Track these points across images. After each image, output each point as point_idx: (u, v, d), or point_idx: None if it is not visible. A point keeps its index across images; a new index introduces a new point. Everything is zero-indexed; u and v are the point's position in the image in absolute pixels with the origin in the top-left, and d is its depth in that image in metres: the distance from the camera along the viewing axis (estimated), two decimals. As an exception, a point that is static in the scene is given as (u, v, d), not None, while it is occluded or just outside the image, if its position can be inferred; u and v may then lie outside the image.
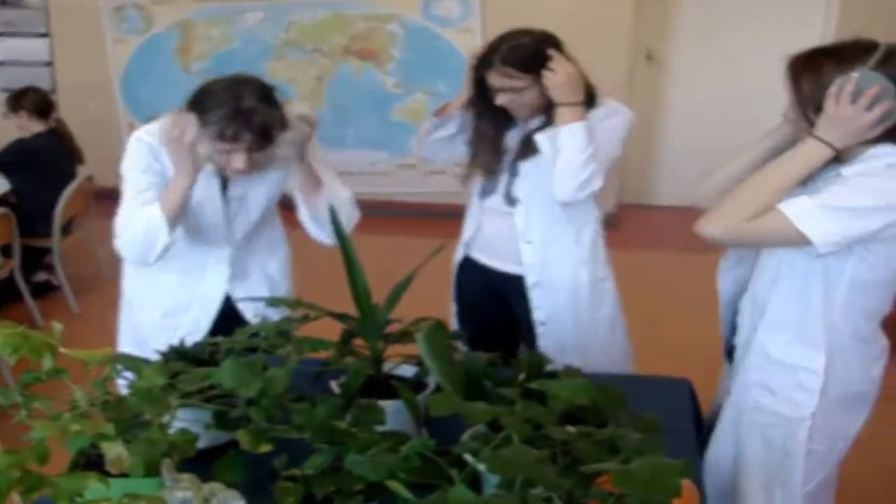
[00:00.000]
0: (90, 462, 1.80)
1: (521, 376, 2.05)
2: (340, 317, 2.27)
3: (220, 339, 2.22)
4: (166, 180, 2.67)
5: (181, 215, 2.64)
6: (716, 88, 7.12)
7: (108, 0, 6.93)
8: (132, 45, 6.90)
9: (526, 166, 2.89)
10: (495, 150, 2.94)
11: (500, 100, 2.81)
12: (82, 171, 5.53)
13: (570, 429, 1.78)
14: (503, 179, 2.95)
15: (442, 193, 6.20)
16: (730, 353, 2.51)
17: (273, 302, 2.39)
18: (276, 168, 2.77)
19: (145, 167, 2.70)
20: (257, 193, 2.84)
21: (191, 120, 2.54)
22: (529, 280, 2.97)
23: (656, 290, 5.76)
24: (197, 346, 2.24)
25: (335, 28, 6.86)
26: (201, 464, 1.77)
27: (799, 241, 2.05)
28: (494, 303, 3.05)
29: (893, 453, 4.10)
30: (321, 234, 2.82)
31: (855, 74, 2.01)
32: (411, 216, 6.47)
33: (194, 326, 2.85)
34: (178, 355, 2.16)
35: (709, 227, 2.14)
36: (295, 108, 2.69)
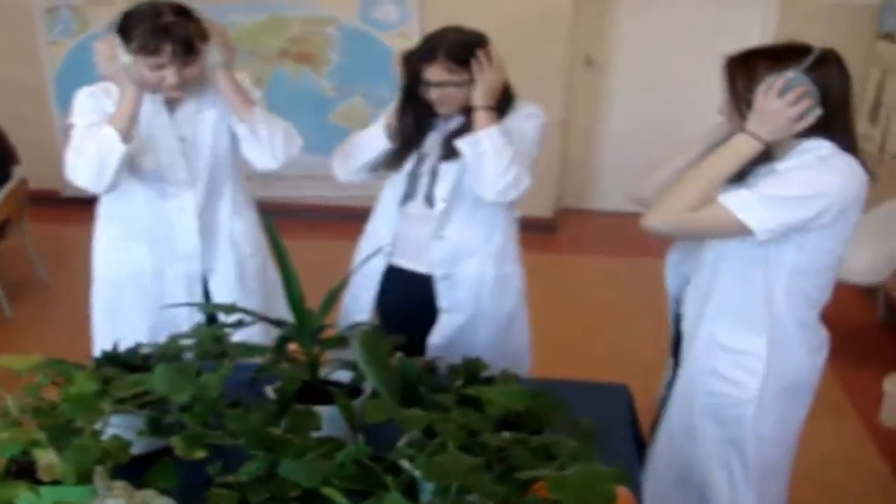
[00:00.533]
0: (22, 469, 1.77)
1: (458, 382, 2.06)
2: (275, 322, 2.26)
3: (153, 343, 2.20)
4: (108, 117, 2.76)
5: (132, 128, 2.73)
6: (655, 92, 7.19)
7: (41, 2, 6.82)
8: (66, 46, 6.80)
9: (446, 168, 2.90)
10: (411, 147, 2.96)
11: (434, 94, 2.82)
12: (17, 172, 5.44)
13: (506, 435, 1.79)
14: (424, 182, 2.96)
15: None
16: (675, 345, 2.58)
17: (208, 308, 2.38)
18: (208, 85, 2.90)
19: (91, 109, 2.83)
20: (203, 132, 2.94)
21: (116, 40, 2.72)
22: (438, 273, 2.99)
23: (595, 293, 5.81)
24: (129, 351, 2.21)
25: (272, 31, 6.81)
26: (135, 470, 1.76)
27: (739, 229, 2.16)
28: (422, 307, 3.04)
29: (847, 440, 4.25)
30: (263, 156, 2.90)
31: (789, 73, 2.13)
32: (349, 220, 6.44)
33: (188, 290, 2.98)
34: (110, 361, 2.14)
35: (653, 219, 2.24)
36: (212, 23, 2.91)
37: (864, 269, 4.81)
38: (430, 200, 2.94)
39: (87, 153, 2.71)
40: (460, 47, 2.78)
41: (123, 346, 2.21)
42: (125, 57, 2.69)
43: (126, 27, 2.72)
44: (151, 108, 2.84)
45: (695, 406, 2.44)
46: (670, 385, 2.60)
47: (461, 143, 2.79)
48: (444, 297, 3.01)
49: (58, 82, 6.94)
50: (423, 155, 2.96)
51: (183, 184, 2.92)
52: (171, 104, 2.90)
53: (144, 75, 2.71)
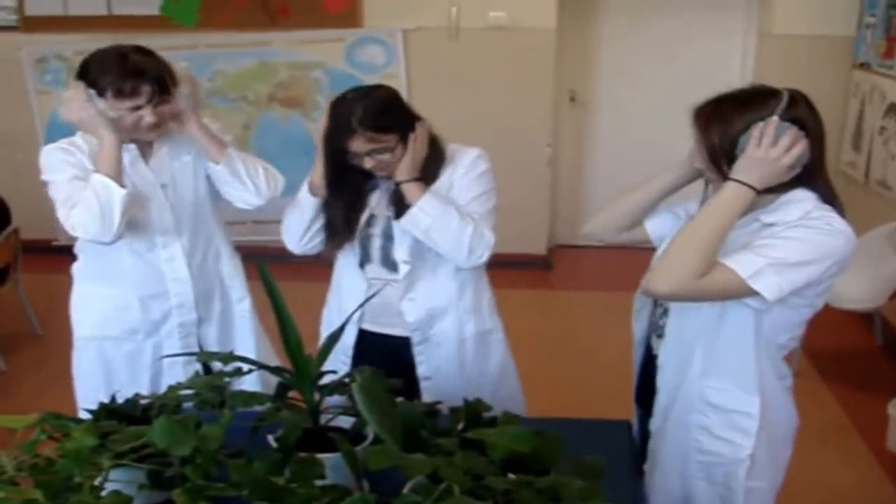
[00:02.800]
0: (20, 529, 1.74)
1: (460, 426, 2.05)
2: (274, 370, 2.24)
3: (152, 395, 2.18)
4: (87, 171, 2.75)
5: (121, 173, 2.71)
6: (639, 128, 7.22)
7: (30, 52, 6.84)
8: (56, 96, 6.78)
9: (399, 228, 2.78)
10: (353, 221, 2.84)
11: (367, 163, 2.69)
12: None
13: (511, 477, 1.77)
14: (377, 244, 2.85)
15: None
16: (640, 393, 2.56)
17: (204, 357, 2.35)
18: (178, 131, 2.90)
19: (64, 163, 2.79)
20: (182, 177, 2.93)
21: (81, 85, 2.70)
22: (415, 338, 2.89)
23: (592, 328, 5.79)
24: (128, 402, 2.19)
25: (259, 76, 6.84)
26: (136, 526, 1.74)
27: (749, 294, 2.12)
28: (401, 372, 2.74)
29: (856, 467, 4.26)
30: (246, 193, 2.91)
31: (774, 118, 2.10)
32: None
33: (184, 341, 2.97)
34: (109, 413, 2.12)
35: (660, 285, 2.17)
36: (178, 67, 2.86)
37: (859, 296, 4.80)
38: (389, 264, 2.84)
39: (87, 205, 2.66)
40: (375, 115, 2.63)
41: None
42: (100, 103, 2.68)
43: (93, 74, 2.70)
44: (128, 158, 2.82)
45: (688, 459, 2.40)
46: (644, 437, 2.57)
47: (403, 224, 2.72)
48: (423, 364, 2.91)
49: (48, 131, 6.92)
50: (371, 216, 2.85)
51: (171, 232, 2.90)
52: (145, 153, 2.88)
53: (122, 119, 2.71)
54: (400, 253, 2.81)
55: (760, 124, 2.10)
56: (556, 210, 7.41)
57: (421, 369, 2.91)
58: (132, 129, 2.74)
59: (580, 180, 7.52)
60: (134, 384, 2.88)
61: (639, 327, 2.58)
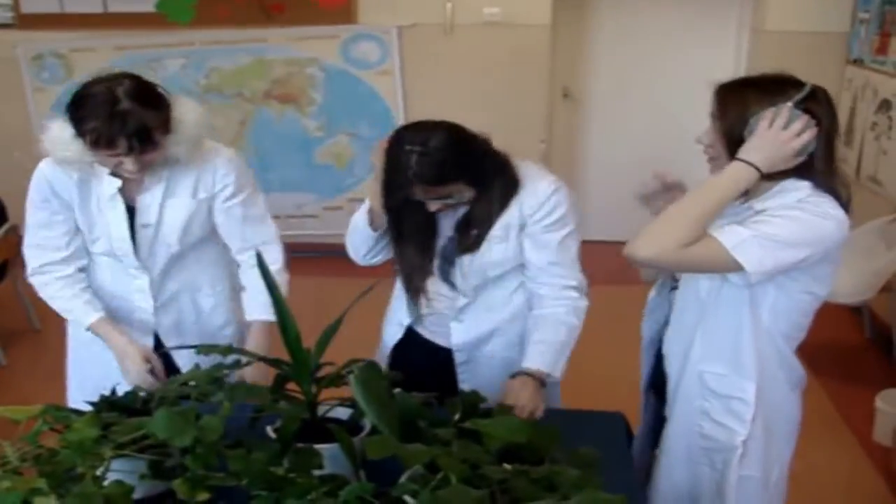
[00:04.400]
0: (23, 519, 1.77)
1: (456, 416, 2.07)
2: (272, 362, 2.26)
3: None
4: (64, 211, 2.73)
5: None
6: (633, 123, 7.24)
7: (27, 49, 6.85)
8: (53, 93, 6.79)
9: (467, 261, 2.66)
10: (427, 252, 2.71)
11: (432, 206, 2.55)
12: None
13: (507, 467, 1.79)
14: (436, 262, 2.73)
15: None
16: (656, 387, 2.57)
17: (204, 350, 2.36)
18: (179, 170, 2.73)
19: (41, 201, 2.75)
20: (171, 219, 2.77)
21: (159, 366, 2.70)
22: (458, 357, 2.82)
23: (588, 322, 5.79)
24: (128, 395, 2.22)
25: (255, 73, 6.84)
26: (138, 516, 1.76)
27: (732, 267, 2.12)
28: (440, 377, 2.79)
29: (843, 459, 4.30)
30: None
31: (789, 104, 2.11)
32: (339, 257, 6.46)
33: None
34: (110, 406, 2.14)
35: (641, 249, 2.14)
36: (185, 105, 2.63)
37: (848, 289, 4.86)
38: (449, 283, 2.73)
39: (57, 298, 2.79)
40: (433, 171, 2.43)
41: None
42: (84, 152, 2.54)
43: (79, 112, 2.50)
44: (109, 195, 2.71)
45: (692, 445, 2.42)
46: (657, 422, 2.59)
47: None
48: (466, 383, 2.82)
49: (42, 130, 6.90)
50: (435, 248, 2.72)
51: (140, 268, 2.82)
52: (132, 188, 2.72)
53: (103, 161, 2.57)
54: (462, 284, 2.71)
55: (774, 108, 2.11)
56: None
57: (463, 386, 2.81)
58: (115, 170, 2.62)
59: (574, 176, 7.51)
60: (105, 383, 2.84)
61: (650, 326, 2.59)
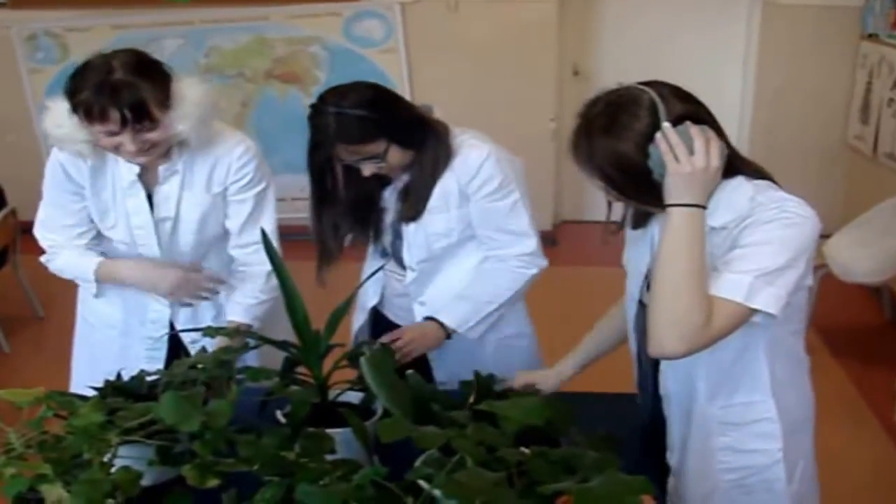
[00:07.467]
0: (29, 506, 1.73)
1: (471, 398, 2.03)
2: (281, 345, 2.22)
3: (158, 371, 2.17)
4: (78, 195, 2.65)
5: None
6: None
7: (21, 29, 6.77)
8: (49, 74, 6.74)
9: (412, 231, 2.65)
10: (369, 217, 2.72)
11: (367, 170, 2.52)
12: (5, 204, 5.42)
13: (525, 450, 1.75)
14: (387, 239, 2.74)
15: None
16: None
17: (211, 332, 2.32)
18: (196, 158, 2.63)
19: (55, 185, 2.66)
20: (188, 213, 2.67)
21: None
22: None
23: (599, 304, 5.75)
24: (134, 379, 2.18)
25: (256, 52, 6.78)
26: (147, 502, 1.72)
27: (754, 318, 1.97)
28: (415, 363, 2.61)
29: (866, 440, 4.29)
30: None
31: (666, 125, 1.94)
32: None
33: (149, 353, 2.80)
34: (115, 390, 2.10)
35: (670, 348, 1.95)
36: (189, 84, 2.50)
37: (868, 269, 4.77)
38: (399, 261, 2.74)
39: (63, 262, 2.71)
40: (349, 132, 2.44)
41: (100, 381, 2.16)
42: (79, 129, 2.42)
43: (74, 84, 2.38)
44: (129, 182, 2.60)
45: (717, 482, 2.22)
46: (654, 396, 2.36)
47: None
48: (439, 370, 2.78)
49: (42, 110, 6.85)
50: (380, 208, 2.71)
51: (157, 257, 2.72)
52: (150, 178, 2.63)
53: (100, 141, 2.43)
54: (410, 257, 2.69)
55: (659, 138, 1.93)
56: (561, 185, 7.31)
57: (437, 374, 2.77)
58: (116, 153, 2.50)
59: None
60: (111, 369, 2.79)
61: (636, 338, 2.40)
